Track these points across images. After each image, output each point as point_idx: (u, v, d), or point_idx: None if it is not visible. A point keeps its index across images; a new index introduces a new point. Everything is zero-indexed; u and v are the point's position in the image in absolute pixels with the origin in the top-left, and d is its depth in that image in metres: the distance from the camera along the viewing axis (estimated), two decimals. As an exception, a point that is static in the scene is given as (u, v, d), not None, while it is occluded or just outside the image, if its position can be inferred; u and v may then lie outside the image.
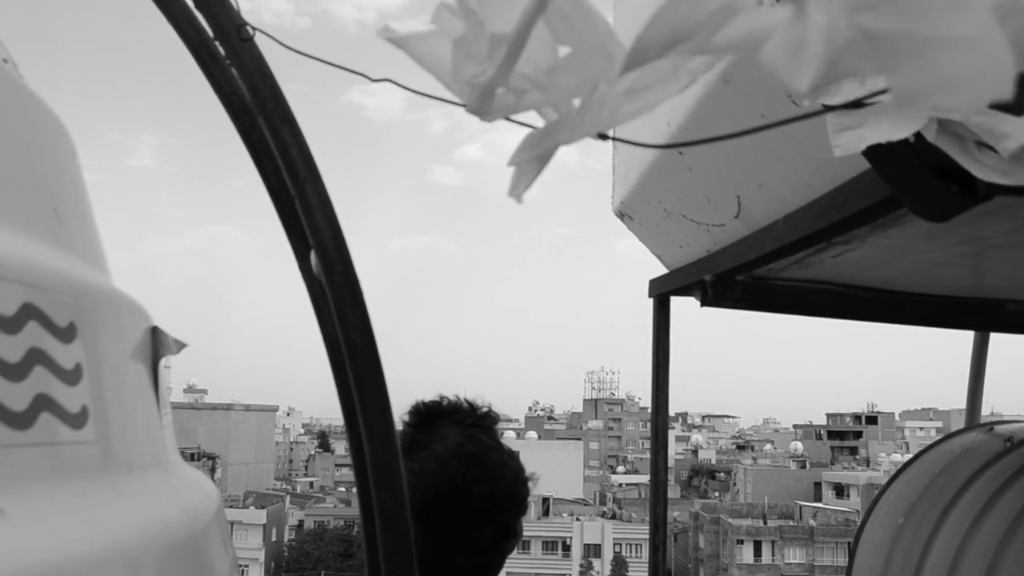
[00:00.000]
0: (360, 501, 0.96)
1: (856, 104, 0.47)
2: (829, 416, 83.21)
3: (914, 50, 0.39)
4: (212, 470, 51.61)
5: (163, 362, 0.82)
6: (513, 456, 1.40)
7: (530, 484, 1.41)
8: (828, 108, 0.49)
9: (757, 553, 46.75)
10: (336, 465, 75.24)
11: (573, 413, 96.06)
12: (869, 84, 0.47)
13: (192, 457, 50.11)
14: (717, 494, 65.23)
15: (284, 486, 71.02)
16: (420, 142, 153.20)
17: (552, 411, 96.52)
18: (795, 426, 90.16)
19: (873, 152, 1.01)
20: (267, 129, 0.90)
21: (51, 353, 0.59)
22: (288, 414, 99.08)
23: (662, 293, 2.59)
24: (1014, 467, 2.18)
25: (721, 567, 46.80)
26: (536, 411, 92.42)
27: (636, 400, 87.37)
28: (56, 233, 0.73)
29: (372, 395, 0.87)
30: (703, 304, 2.27)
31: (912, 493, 2.44)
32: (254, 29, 0.90)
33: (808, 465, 66.35)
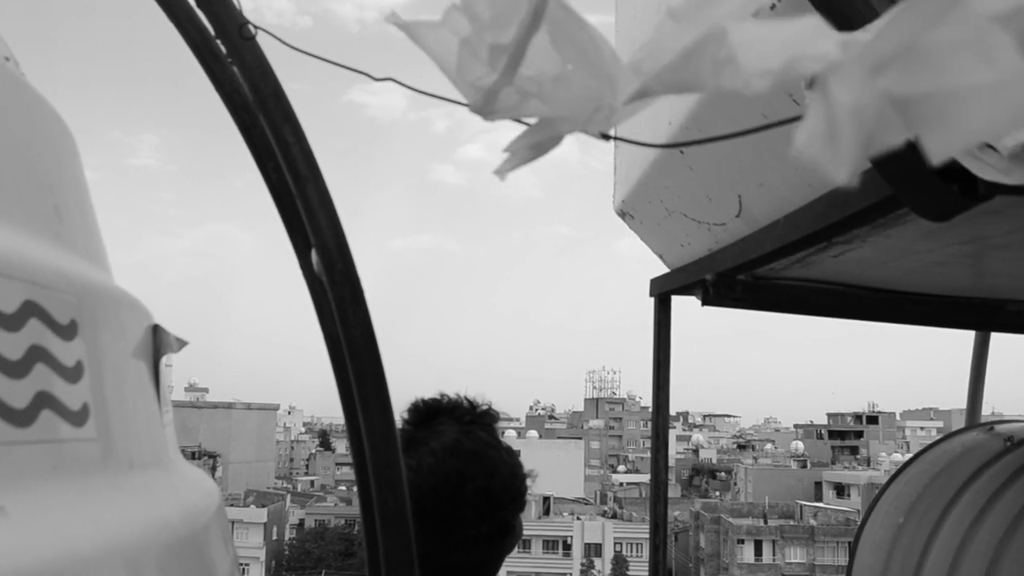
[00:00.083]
0: (361, 500, 0.96)
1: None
2: (830, 416, 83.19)
3: (942, 110, 0.39)
4: (213, 468, 51.61)
5: (164, 360, 0.82)
6: (511, 453, 1.40)
7: (528, 481, 1.41)
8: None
9: (758, 552, 46.74)
10: (337, 464, 75.29)
11: (574, 412, 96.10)
12: None
13: (193, 456, 50.11)
14: (718, 493, 65.21)
15: (285, 485, 71.10)
16: (422, 141, 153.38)
17: (553, 410, 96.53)
18: (796, 426, 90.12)
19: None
20: (268, 128, 0.90)
21: (52, 351, 0.60)
22: (289, 413, 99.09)
23: (663, 292, 2.59)
24: (1014, 466, 2.18)
25: (722, 566, 46.78)
26: (537, 410, 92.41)
27: (637, 399, 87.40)
28: (57, 231, 0.73)
29: (373, 394, 0.87)
30: (704, 303, 2.27)
31: (912, 492, 2.44)
32: (256, 28, 0.90)
33: (809, 465, 66.34)
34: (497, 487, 1.33)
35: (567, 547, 48.98)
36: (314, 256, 0.92)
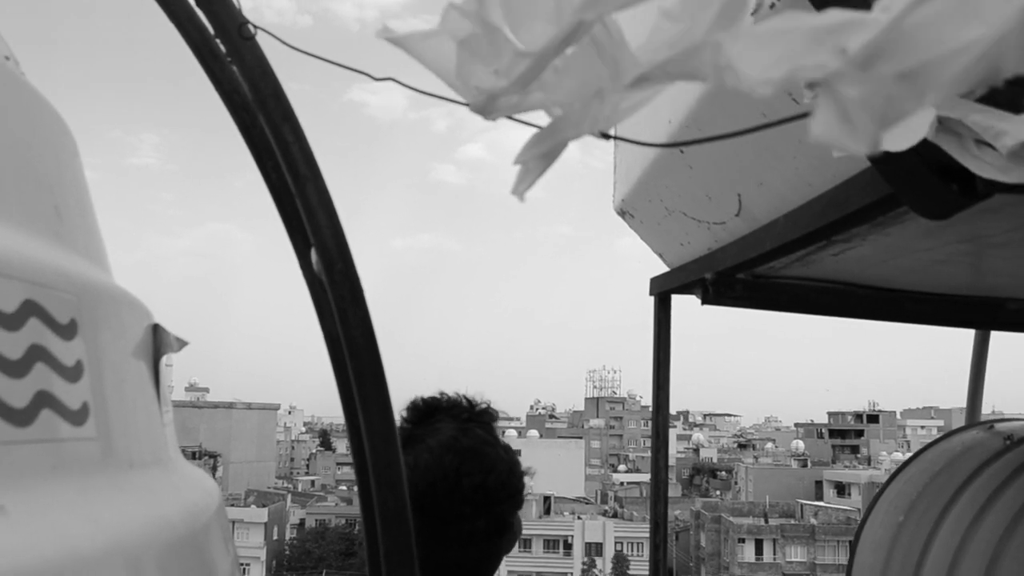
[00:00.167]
0: (361, 499, 0.96)
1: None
2: (830, 415, 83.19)
3: (943, 71, 0.40)
4: (213, 468, 51.66)
5: (164, 360, 0.82)
6: (509, 451, 1.40)
7: (526, 479, 1.41)
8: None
9: (758, 551, 46.75)
10: (337, 463, 75.32)
11: (575, 412, 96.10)
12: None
13: (193, 455, 50.13)
14: (718, 493, 65.22)
15: (285, 484, 71.10)
16: (422, 141, 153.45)
17: (554, 409, 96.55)
18: (796, 425, 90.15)
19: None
20: (268, 127, 0.90)
21: (52, 350, 0.60)
22: (290, 412, 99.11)
23: (663, 291, 2.59)
24: (1014, 465, 2.18)
25: (722, 565, 46.79)
26: (538, 410, 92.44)
27: (637, 399, 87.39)
28: (57, 230, 0.73)
29: (373, 393, 0.88)
30: (704, 302, 2.27)
31: (912, 491, 2.44)
32: (255, 27, 0.90)
33: (809, 464, 66.38)
34: (494, 483, 1.33)
35: (568, 546, 48.99)
36: (314, 256, 0.92)
